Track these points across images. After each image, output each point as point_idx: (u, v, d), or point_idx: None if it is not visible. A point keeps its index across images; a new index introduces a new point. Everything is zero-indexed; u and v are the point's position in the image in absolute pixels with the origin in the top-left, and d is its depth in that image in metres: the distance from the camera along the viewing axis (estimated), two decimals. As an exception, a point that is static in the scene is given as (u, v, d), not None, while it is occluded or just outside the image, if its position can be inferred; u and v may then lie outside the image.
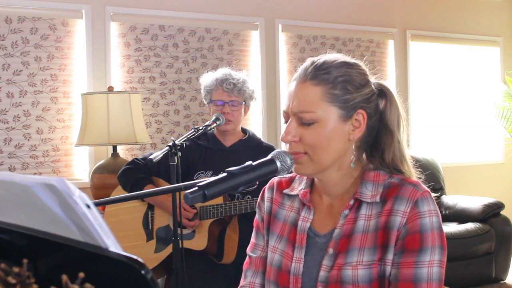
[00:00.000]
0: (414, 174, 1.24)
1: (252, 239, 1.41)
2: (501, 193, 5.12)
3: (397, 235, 1.14)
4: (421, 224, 1.13)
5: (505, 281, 4.10)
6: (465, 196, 4.46)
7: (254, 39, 4.39)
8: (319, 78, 1.19)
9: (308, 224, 1.27)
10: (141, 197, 2.54)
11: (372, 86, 1.24)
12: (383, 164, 1.23)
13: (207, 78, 2.68)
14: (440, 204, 4.39)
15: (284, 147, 1.25)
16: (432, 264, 1.13)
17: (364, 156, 1.26)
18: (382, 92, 1.25)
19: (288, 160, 1.17)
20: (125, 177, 2.62)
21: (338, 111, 1.18)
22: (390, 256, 1.15)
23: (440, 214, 1.17)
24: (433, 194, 1.19)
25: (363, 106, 1.20)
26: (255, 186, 2.42)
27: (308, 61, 1.24)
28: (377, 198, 1.19)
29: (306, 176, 1.30)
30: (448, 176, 4.79)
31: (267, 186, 1.41)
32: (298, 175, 1.35)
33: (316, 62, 1.22)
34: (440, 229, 1.15)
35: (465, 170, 5.34)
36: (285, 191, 1.35)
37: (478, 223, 4.01)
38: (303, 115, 1.18)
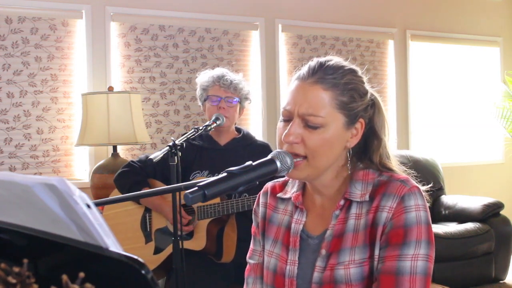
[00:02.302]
0: (401, 171, 1.25)
1: (251, 246, 1.42)
2: (501, 193, 5.12)
3: (382, 230, 1.15)
4: (406, 218, 1.13)
5: (504, 281, 4.10)
6: (465, 196, 4.46)
7: (254, 39, 4.39)
8: (329, 83, 1.18)
9: (301, 226, 1.27)
10: (140, 197, 2.54)
11: (369, 95, 1.25)
12: (371, 164, 1.24)
13: (203, 76, 2.69)
14: (440, 204, 4.39)
15: (277, 145, 1.24)
16: (416, 257, 1.12)
17: (354, 157, 1.27)
18: (372, 101, 1.26)
19: (288, 160, 1.16)
20: (122, 180, 2.62)
21: (343, 118, 1.19)
22: (377, 252, 1.15)
23: (428, 209, 1.17)
24: (424, 188, 1.19)
25: (362, 115, 1.22)
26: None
27: (315, 61, 1.23)
28: (367, 197, 1.19)
29: (300, 180, 1.30)
30: (448, 176, 4.80)
31: (261, 191, 1.41)
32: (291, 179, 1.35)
33: (325, 65, 1.21)
34: (428, 224, 1.15)
35: (465, 170, 5.34)
36: (279, 195, 1.35)
37: (478, 223, 4.01)
38: (310, 118, 1.17)
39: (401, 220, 1.13)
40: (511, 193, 5.41)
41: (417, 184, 1.19)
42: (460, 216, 4.19)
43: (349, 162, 1.25)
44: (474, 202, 4.20)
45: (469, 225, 3.99)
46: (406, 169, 1.27)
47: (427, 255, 1.13)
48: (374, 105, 1.26)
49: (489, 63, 5.54)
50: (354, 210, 1.20)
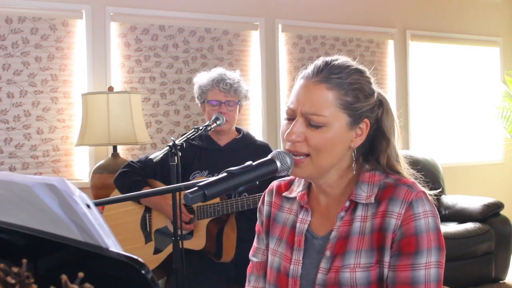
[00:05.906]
0: (409, 175, 1.25)
1: (254, 243, 1.42)
2: (500, 193, 5.13)
3: (392, 238, 1.14)
4: (416, 226, 1.13)
5: (504, 280, 4.10)
6: (465, 196, 4.46)
7: (254, 39, 4.39)
8: (333, 82, 1.18)
9: (306, 226, 1.26)
10: (141, 197, 2.54)
11: (375, 95, 1.24)
12: (378, 165, 1.24)
13: (202, 78, 2.69)
14: (440, 204, 4.38)
15: (281, 145, 1.24)
16: (429, 265, 1.13)
17: (360, 158, 1.26)
18: (380, 101, 1.25)
19: (288, 160, 1.16)
20: (121, 181, 2.62)
21: (346, 118, 1.18)
22: (387, 259, 1.15)
23: (437, 214, 1.17)
24: (431, 192, 1.19)
25: (368, 116, 1.21)
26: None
27: (320, 60, 1.22)
28: (372, 199, 1.18)
29: (303, 178, 1.30)
30: (448, 176, 4.80)
31: (267, 190, 1.41)
32: (297, 178, 1.35)
33: (331, 64, 1.20)
34: (437, 229, 1.15)
35: (464, 170, 5.34)
36: (284, 193, 1.35)
37: (478, 223, 4.01)
38: (312, 117, 1.17)
39: (411, 228, 1.13)
40: (511, 193, 5.41)
41: (423, 189, 1.18)
42: (460, 216, 4.19)
43: (354, 162, 1.24)
44: (474, 202, 4.20)
45: (469, 225, 3.99)
46: (415, 173, 1.26)
47: (438, 262, 1.14)
48: (382, 105, 1.25)
49: (489, 63, 5.54)
50: (359, 212, 1.19)
